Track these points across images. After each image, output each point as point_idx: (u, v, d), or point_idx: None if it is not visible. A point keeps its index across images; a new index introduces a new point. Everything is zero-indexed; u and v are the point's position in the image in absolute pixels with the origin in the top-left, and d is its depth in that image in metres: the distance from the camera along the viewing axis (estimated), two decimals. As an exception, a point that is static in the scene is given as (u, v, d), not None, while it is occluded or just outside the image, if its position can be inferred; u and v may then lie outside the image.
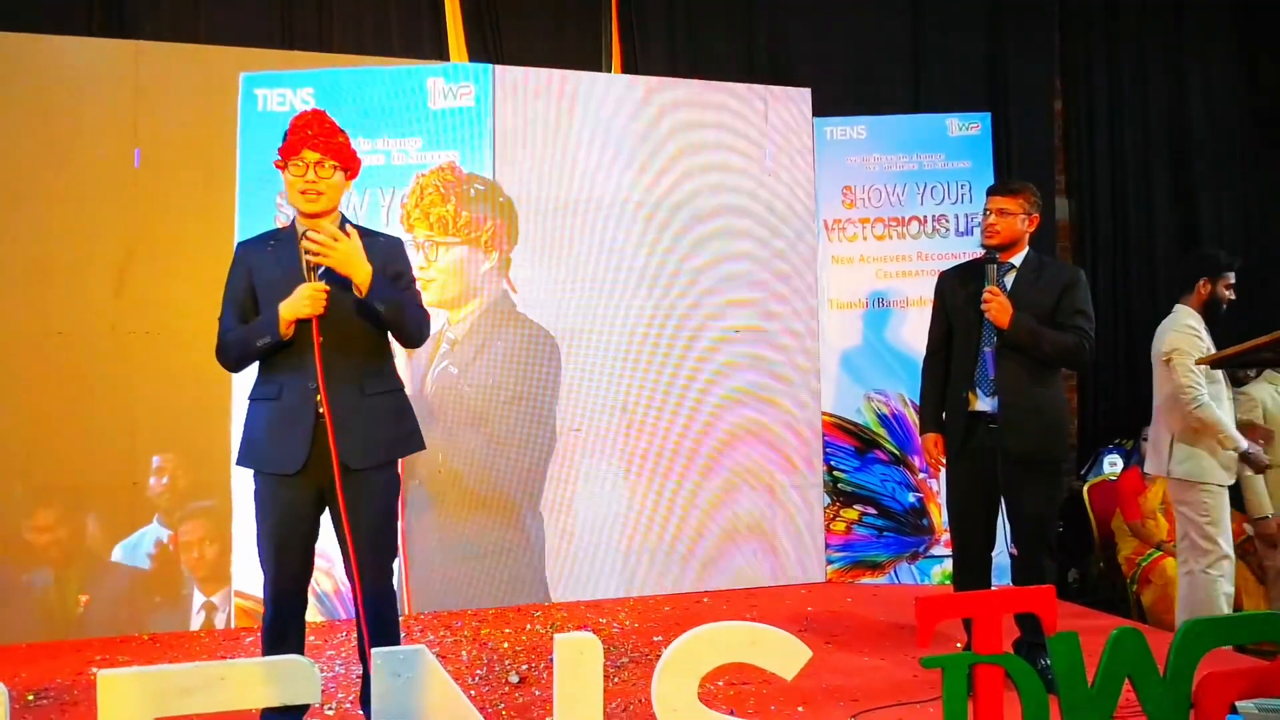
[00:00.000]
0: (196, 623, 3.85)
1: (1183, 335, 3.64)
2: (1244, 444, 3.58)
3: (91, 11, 4.25)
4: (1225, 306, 3.73)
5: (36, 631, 3.68)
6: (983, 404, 3.11)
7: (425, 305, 2.59)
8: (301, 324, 2.36)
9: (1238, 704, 2.13)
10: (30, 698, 3.04)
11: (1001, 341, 3.06)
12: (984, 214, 3.17)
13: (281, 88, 4.02)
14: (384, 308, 2.39)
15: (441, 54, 4.68)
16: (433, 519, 4.10)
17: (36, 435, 3.71)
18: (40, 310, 3.74)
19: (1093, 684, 2.00)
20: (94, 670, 3.22)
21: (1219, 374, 3.66)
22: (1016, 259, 3.16)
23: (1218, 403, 3.62)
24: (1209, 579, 3.60)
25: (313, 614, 3.91)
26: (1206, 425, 3.57)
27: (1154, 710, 2.04)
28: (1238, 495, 3.89)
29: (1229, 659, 3.05)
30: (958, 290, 3.22)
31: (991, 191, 3.18)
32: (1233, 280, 3.72)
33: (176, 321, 3.82)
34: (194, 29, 4.34)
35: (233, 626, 3.86)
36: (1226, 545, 3.62)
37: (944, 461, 3.24)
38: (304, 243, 2.36)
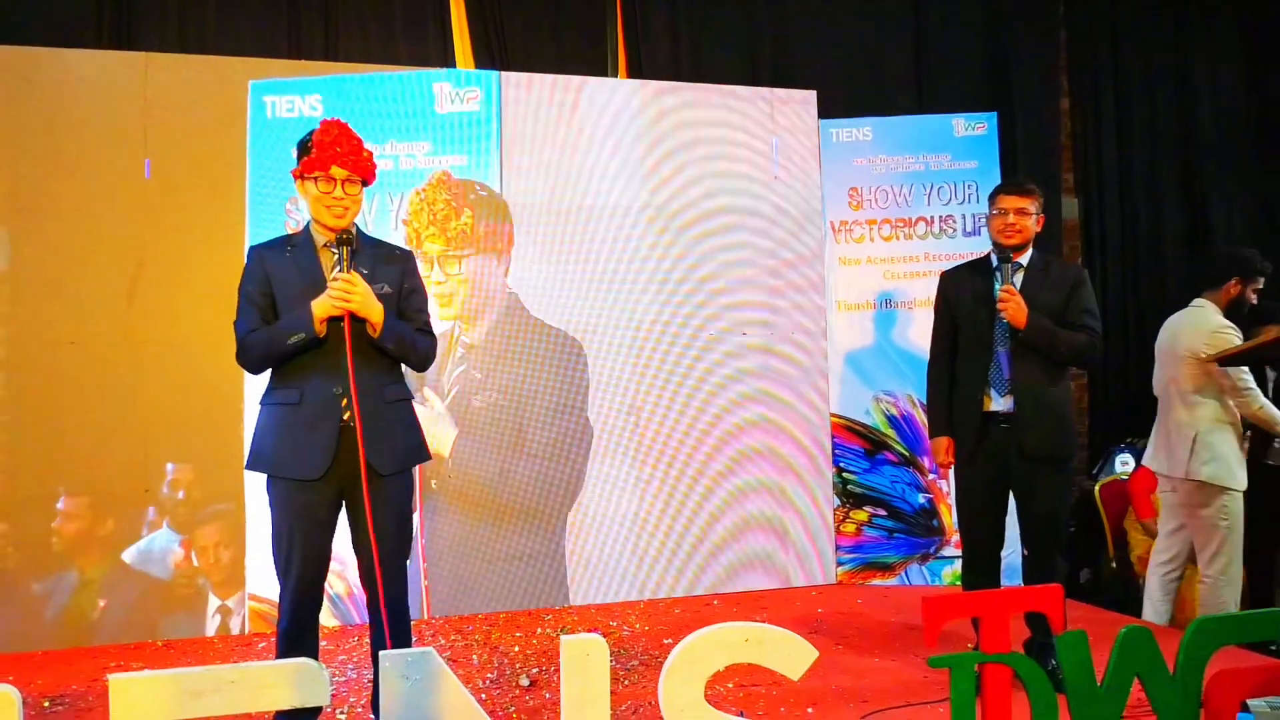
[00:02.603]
0: (211, 628, 3.88)
1: (1223, 335, 3.56)
2: None
3: (100, 24, 4.28)
4: (1246, 310, 3.68)
5: (52, 639, 3.71)
6: (997, 404, 3.10)
7: (431, 326, 2.63)
8: (332, 325, 2.39)
9: (1249, 702, 2.12)
10: (46, 704, 3.06)
11: (1016, 341, 3.06)
12: (998, 214, 3.14)
13: (290, 95, 4.05)
14: (392, 346, 2.45)
15: (447, 61, 4.71)
16: (455, 524, 4.12)
17: (50, 445, 3.74)
18: (52, 321, 3.77)
19: (1102, 683, 2.00)
20: (109, 676, 3.25)
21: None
22: (1024, 259, 3.16)
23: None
24: (1225, 582, 3.58)
25: (326, 618, 3.95)
26: (1266, 422, 3.54)
27: (1164, 709, 2.03)
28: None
29: (1240, 657, 3.04)
30: (964, 290, 3.21)
31: (1008, 191, 3.16)
32: (1261, 286, 3.67)
33: (188, 330, 3.86)
34: (202, 40, 4.38)
35: (247, 630, 3.88)
36: (1239, 553, 3.60)
37: (954, 464, 3.23)
38: (331, 286, 2.39)
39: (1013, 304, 3.01)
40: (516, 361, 4.22)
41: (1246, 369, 3.55)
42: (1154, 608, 3.85)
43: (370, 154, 2.50)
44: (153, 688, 1.50)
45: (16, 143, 3.78)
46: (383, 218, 4.12)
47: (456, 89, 4.24)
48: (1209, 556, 3.61)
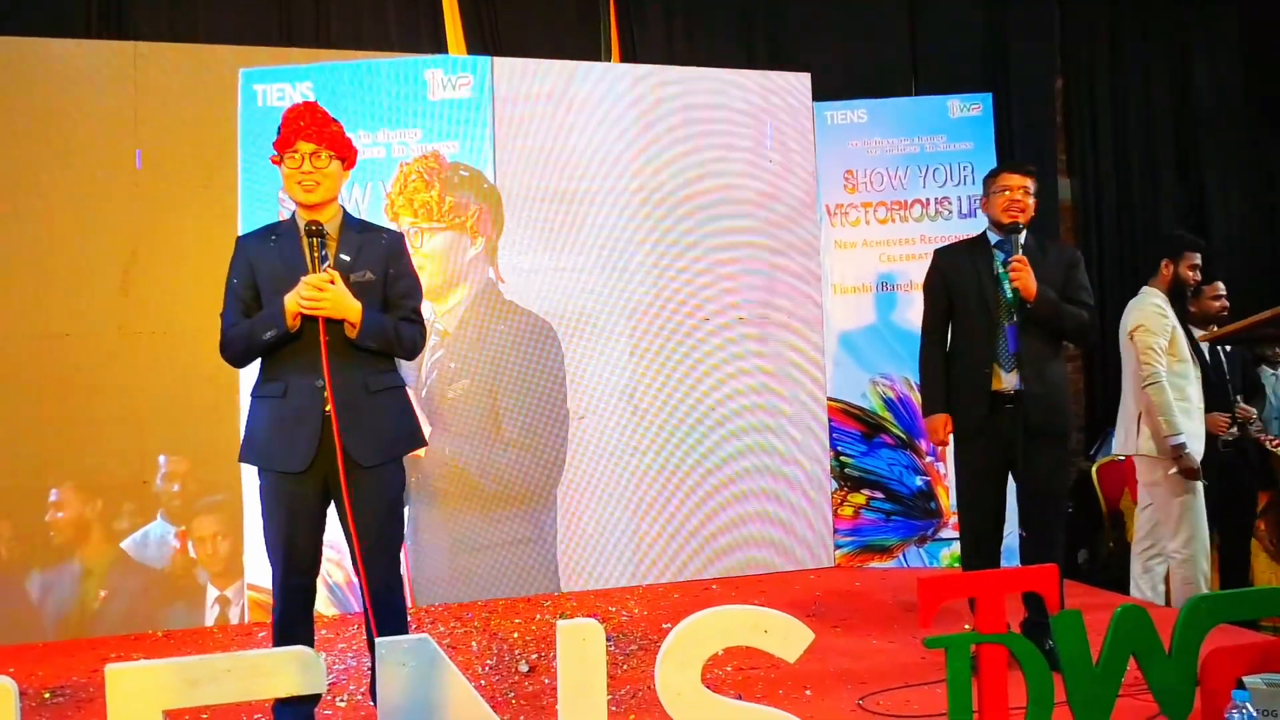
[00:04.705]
0: (210, 618, 3.88)
1: (1147, 313, 3.69)
2: (1181, 438, 3.55)
3: (89, 13, 4.26)
4: (1192, 287, 3.80)
5: (52, 631, 3.72)
6: (1005, 380, 3.07)
7: (419, 313, 2.57)
8: (307, 317, 2.37)
9: (1244, 679, 2.13)
10: (47, 695, 3.07)
11: (1025, 315, 3.05)
12: (1001, 192, 3.12)
13: (280, 82, 4.03)
14: (374, 345, 2.42)
15: (439, 47, 4.68)
16: (440, 512, 4.12)
17: (46, 436, 3.74)
18: (46, 312, 3.76)
19: (1098, 662, 2.00)
20: (106, 666, 3.25)
21: (1188, 355, 3.69)
22: (1021, 238, 3.16)
23: (1185, 382, 3.65)
24: (1191, 555, 3.62)
25: (325, 607, 3.96)
26: (1152, 405, 3.58)
27: (1160, 687, 2.04)
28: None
29: (1235, 635, 3.05)
30: (964, 267, 3.18)
31: (1014, 170, 3.16)
32: (1197, 261, 3.76)
33: (182, 320, 3.85)
34: (192, 29, 4.35)
35: (246, 620, 3.89)
36: (1199, 525, 3.63)
37: (950, 442, 3.20)
38: (301, 293, 2.34)
39: (1026, 273, 3.01)
40: (491, 348, 4.20)
41: (1158, 349, 3.61)
42: (1138, 587, 3.90)
43: (341, 128, 2.45)
44: (150, 677, 1.51)
45: (7, 134, 3.75)
46: (376, 205, 4.10)
47: (448, 75, 4.22)
48: (1171, 530, 3.68)
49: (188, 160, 3.92)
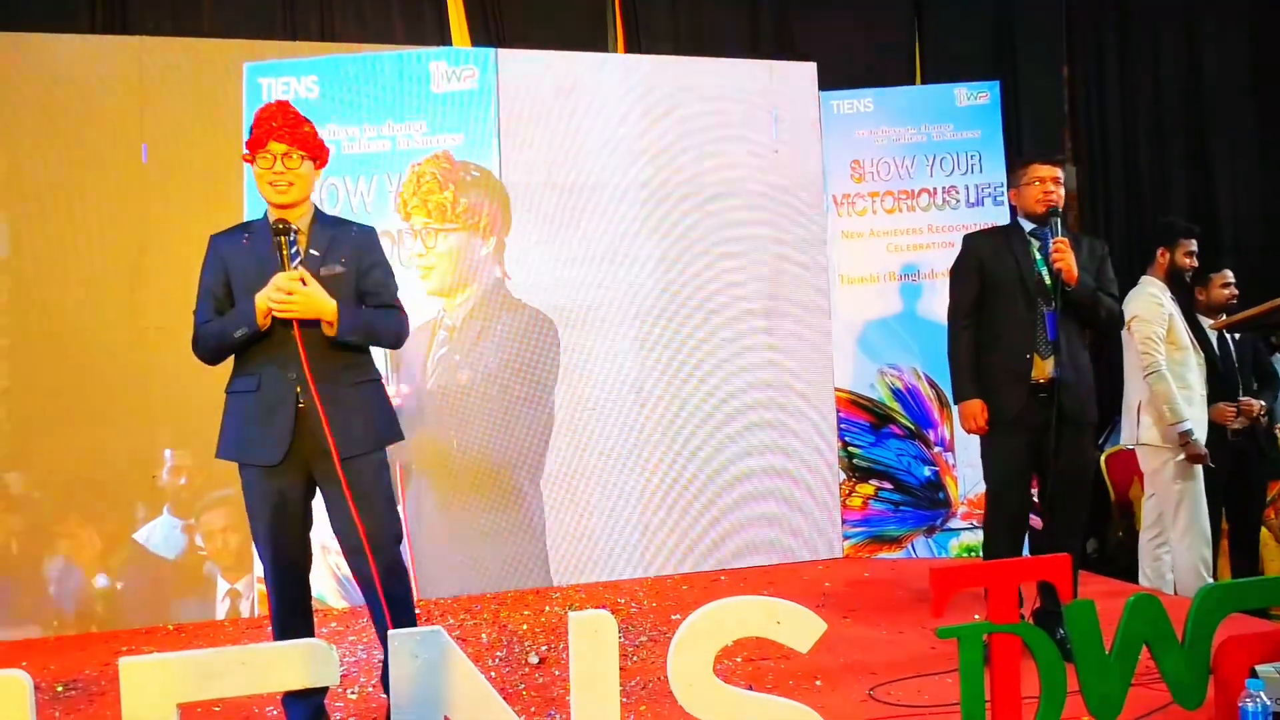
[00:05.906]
0: (221, 611, 3.90)
1: (1143, 302, 3.71)
2: (1187, 424, 3.56)
3: (94, 9, 4.26)
4: (1189, 273, 3.81)
5: (64, 624, 3.74)
6: (1045, 368, 3.03)
7: (397, 300, 2.56)
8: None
9: (1257, 668, 2.12)
10: (60, 688, 3.08)
11: (1064, 300, 3.01)
12: (1034, 183, 3.09)
13: (285, 76, 4.02)
14: (355, 339, 2.41)
15: (443, 39, 4.67)
16: (447, 505, 4.12)
17: (56, 432, 3.75)
18: (56, 308, 3.77)
19: (1110, 652, 2.00)
20: (120, 660, 3.26)
21: (1188, 342, 3.71)
22: (1059, 222, 3.13)
23: (1185, 369, 3.67)
24: (1190, 543, 3.63)
25: (336, 599, 3.98)
26: (1155, 394, 3.62)
27: (1173, 676, 2.04)
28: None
29: (1248, 624, 3.04)
30: (1001, 252, 3.12)
31: (1045, 160, 3.14)
32: (1193, 248, 3.78)
33: (190, 314, 3.84)
34: (196, 24, 4.35)
35: (257, 614, 3.90)
36: (1198, 512, 3.62)
37: (986, 429, 3.11)
38: (271, 295, 2.32)
39: (1069, 255, 2.97)
40: (493, 341, 4.20)
41: (1156, 338, 3.64)
42: (1146, 576, 3.91)
43: (314, 128, 2.45)
44: (163, 670, 1.51)
45: (13, 131, 3.76)
46: (381, 199, 4.09)
47: (453, 67, 4.21)
48: (1170, 519, 3.71)
49: (193, 155, 3.92)
